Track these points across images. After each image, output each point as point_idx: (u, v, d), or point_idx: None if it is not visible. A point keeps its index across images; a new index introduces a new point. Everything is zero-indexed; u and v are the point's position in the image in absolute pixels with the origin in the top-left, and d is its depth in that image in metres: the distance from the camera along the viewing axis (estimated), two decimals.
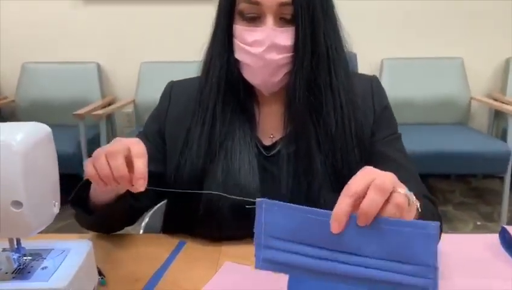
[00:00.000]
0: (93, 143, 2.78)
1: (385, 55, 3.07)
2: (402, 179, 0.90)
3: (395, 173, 0.89)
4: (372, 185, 0.51)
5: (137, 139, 0.72)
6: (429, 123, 3.02)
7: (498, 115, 3.05)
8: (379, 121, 0.93)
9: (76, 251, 0.70)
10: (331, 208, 0.53)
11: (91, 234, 0.93)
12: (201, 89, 0.92)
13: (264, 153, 0.92)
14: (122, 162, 0.68)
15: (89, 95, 3.09)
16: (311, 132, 0.87)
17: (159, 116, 0.98)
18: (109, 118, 3.08)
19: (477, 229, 2.60)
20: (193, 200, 0.87)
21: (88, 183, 0.85)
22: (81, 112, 2.66)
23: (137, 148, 0.69)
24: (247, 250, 0.84)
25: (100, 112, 2.73)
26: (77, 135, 2.70)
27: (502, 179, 3.11)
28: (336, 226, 0.51)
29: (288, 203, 0.55)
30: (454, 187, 3.12)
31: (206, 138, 0.89)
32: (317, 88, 0.86)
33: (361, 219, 0.50)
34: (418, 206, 0.65)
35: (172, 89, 1.00)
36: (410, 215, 0.54)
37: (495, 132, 3.07)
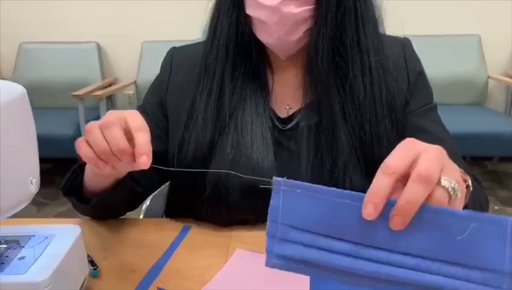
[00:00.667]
0: None
1: (398, 33, 2.93)
2: None
3: None
4: (414, 173, 0.39)
5: (135, 111, 0.62)
6: (444, 103, 2.89)
7: None
8: (413, 89, 0.82)
9: (61, 237, 0.60)
10: (359, 189, 0.42)
11: (87, 218, 0.83)
12: (207, 53, 0.80)
13: (280, 126, 0.80)
14: (120, 133, 0.57)
15: (88, 76, 3.01)
16: (336, 99, 0.75)
17: (159, 87, 0.87)
18: (110, 99, 2.99)
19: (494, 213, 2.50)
20: (199, 180, 0.77)
21: (80, 169, 0.75)
22: (80, 93, 2.58)
23: (136, 120, 0.59)
24: (260, 235, 0.74)
25: (100, 92, 2.65)
26: (76, 117, 2.62)
27: None
28: (370, 210, 0.39)
29: (314, 185, 0.43)
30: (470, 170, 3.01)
31: (213, 109, 0.78)
32: (343, 47, 0.74)
33: (397, 219, 0.39)
34: (470, 183, 0.54)
35: (174, 56, 0.89)
36: (455, 205, 0.42)
37: None
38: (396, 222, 0.39)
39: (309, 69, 0.77)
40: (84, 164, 0.74)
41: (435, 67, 2.89)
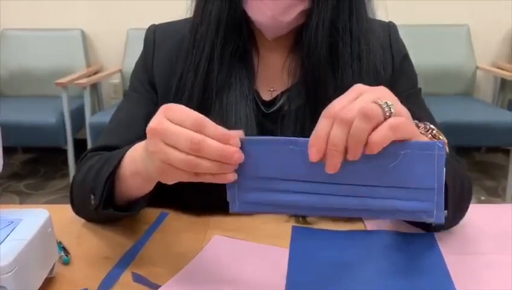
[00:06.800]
0: (77, 114, 2.66)
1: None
2: None
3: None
4: (359, 113, 0.44)
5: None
6: (432, 94, 2.88)
7: (504, 85, 2.95)
8: (398, 71, 0.81)
9: (28, 221, 0.57)
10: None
11: (57, 204, 0.80)
12: (196, 27, 0.76)
13: (264, 109, 0.78)
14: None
15: (73, 64, 2.95)
16: (330, 83, 0.73)
17: (145, 63, 0.84)
18: (95, 88, 2.94)
19: (480, 204, 2.52)
20: None
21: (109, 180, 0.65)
22: (63, 81, 2.52)
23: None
24: (240, 222, 0.73)
25: (84, 80, 2.60)
26: (60, 106, 2.58)
27: (506, 152, 3.02)
28: (313, 153, 0.46)
29: (269, 137, 0.50)
30: None
31: (200, 85, 0.74)
32: (337, 33, 0.72)
33: (351, 152, 0.45)
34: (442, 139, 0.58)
35: (156, 33, 0.85)
36: (397, 123, 0.46)
37: (500, 102, 2.97)
38: (350, 154, 0.45)
39: (301, 55, 0.75)
40: (113, 174, 0.64)
41: (424, 57, 2.88)
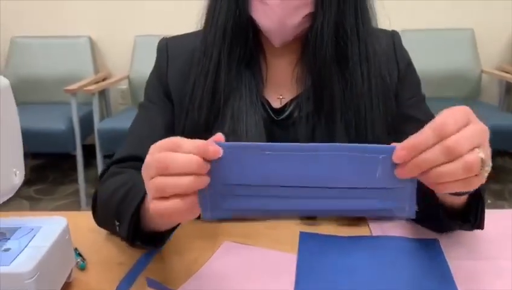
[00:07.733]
0: (86, 120, 2.69)
1: (392, 27, 2.92)
2: None
3: None
4: (441, 143, 0.46)
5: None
6: (438, 98, 2.89)
7: (510, 89, 2.94)
8: (403, 78, 0.83)
9: (47, 229, 0.60)
10: None
11: (70, 211, 0.83)
12: (206, 35, 0.79)
13: (274, 116, 0.80)
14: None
15: (81, 71, 2.97)
16: (337, 85, 0.75)
17: (159, 75, 0.85)
18: (103, 94, 2.97)
19: (487, 208, 2.51)
20: None
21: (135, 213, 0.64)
22: (72, 88, 2.55)
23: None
24: (248, 228, 0.75)
25: (92, 87, 2.62)
26: (69, 112, 2.60)
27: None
28: (402, 156, 0.47)
29: (244, 143, 0.50)
30: None
31: (209, 92, 0.77)
32: (344, 34, 0.74)
33: (403, 170, 0.47)
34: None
35: (168, 45, 0.87)
36: (480, 181, 0.48)
37: (506, 106, 2.96)
38: (402, 172, 0.47)
39: (307, 56, 0.76)
40: (139, 209, 0.63)
41: (429, 61, 2.89)
